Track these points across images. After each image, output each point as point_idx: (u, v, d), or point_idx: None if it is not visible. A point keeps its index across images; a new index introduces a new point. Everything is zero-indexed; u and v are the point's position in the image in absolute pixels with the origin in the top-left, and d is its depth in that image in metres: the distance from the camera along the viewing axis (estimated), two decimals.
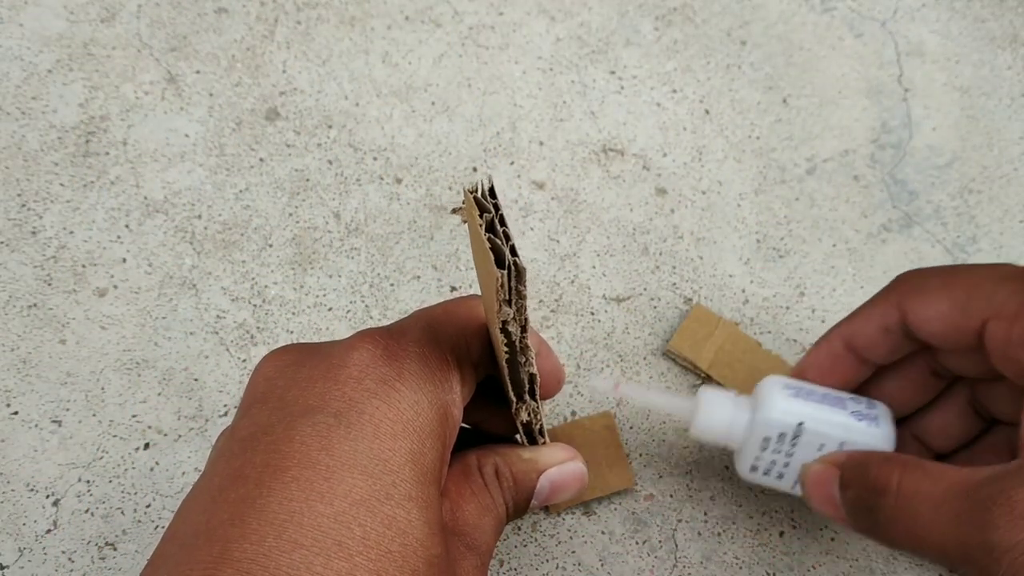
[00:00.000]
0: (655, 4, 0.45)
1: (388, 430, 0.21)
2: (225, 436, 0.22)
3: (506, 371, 0.23)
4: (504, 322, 0.21)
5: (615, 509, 0.33)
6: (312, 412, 0.21)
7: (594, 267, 0.38)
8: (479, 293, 0.28)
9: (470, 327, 0.25)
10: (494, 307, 0.20)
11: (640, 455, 0.34)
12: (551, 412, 0.35)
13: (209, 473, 0.21)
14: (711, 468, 0.34)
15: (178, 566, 0.19)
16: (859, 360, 0.29)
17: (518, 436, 0.29)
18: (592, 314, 0.37)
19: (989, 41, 0.45)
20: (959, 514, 0.21)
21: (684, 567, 0.32)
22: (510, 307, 0.20)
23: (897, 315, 0.27)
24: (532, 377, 0.24)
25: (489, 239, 0.19)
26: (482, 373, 0.26)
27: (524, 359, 0.23)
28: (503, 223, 0.19)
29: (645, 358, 0.36)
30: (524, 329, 0.21)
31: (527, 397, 0.25)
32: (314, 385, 0.22)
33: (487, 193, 0.20)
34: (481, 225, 0.19)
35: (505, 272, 0.19)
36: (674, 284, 0.38)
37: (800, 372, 0.31)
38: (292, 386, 0.22)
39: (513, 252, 0.19)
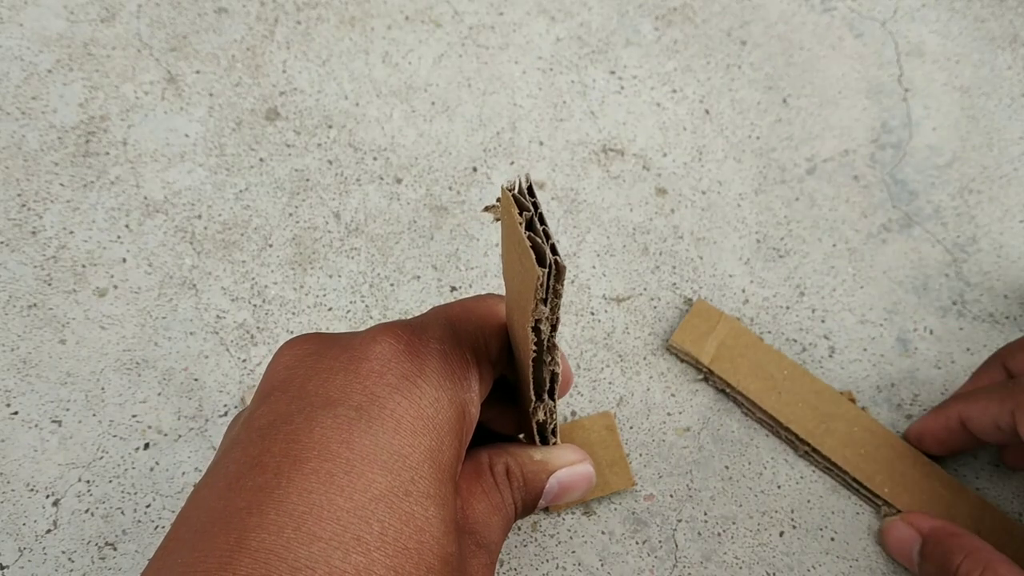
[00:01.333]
0: (655, 4, 0.45)
1: (409, 426, 0.21)
2: (241, 423, 0.22)
3: (530, 370, 0.23)
4: (537, 321, 0.20)
5: (615, 509, 0.33)
6: (333, 404, 0.21)
7: (594, 267, 0.38)
8: (483, 293, 0.28)
9: (488, 326, 0.25)
10: (528, 306, 0.20)
11: (640, 455, 0.34)
12: None
13: (224, 460, 0.21)
14: (711, 468, 0.34)
15: (193, 552, 0.19)
16: (972, 436, 0.32)
17: (523, 435, 0.29)
18: (592, 314, 0.37)
19: (989, 41, 0.45)
20: None
21: (684, 567, 0.32)
22: (546, 306, 0.20)
23: (1010, 420, 0.30)
24: (554, 376, 0.24)
25: (529, 237, 0.19)
26: (498, 372, 0.26)
27: (550, 358, 0.23)
28: (543, 221, 0.19)
29: (645, 358, 0.36)
30: (554, 328, 0.21)
31: (546, 397, 0.25)
32: (335, 377, 0.22)
33: (525, 191, 0.19)
34: (521, 223, 0.19)
35: (546, 271, 0.19)
36: (674, 284, 0.38)
37: (917, 439, 0.34)
38: (312, 376, 0.22)
39: (554, 251, 0.19)
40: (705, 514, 0.33)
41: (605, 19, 0.45)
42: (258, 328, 0.36)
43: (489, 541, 0.24)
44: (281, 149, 0.40)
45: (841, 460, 0.33)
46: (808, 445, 0.34)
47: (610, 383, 0.36)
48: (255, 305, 0.37)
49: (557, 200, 0.40)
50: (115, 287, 0.37)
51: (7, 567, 0.31)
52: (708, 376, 0.36)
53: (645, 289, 0.38)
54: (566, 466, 0.27)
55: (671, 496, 0.34)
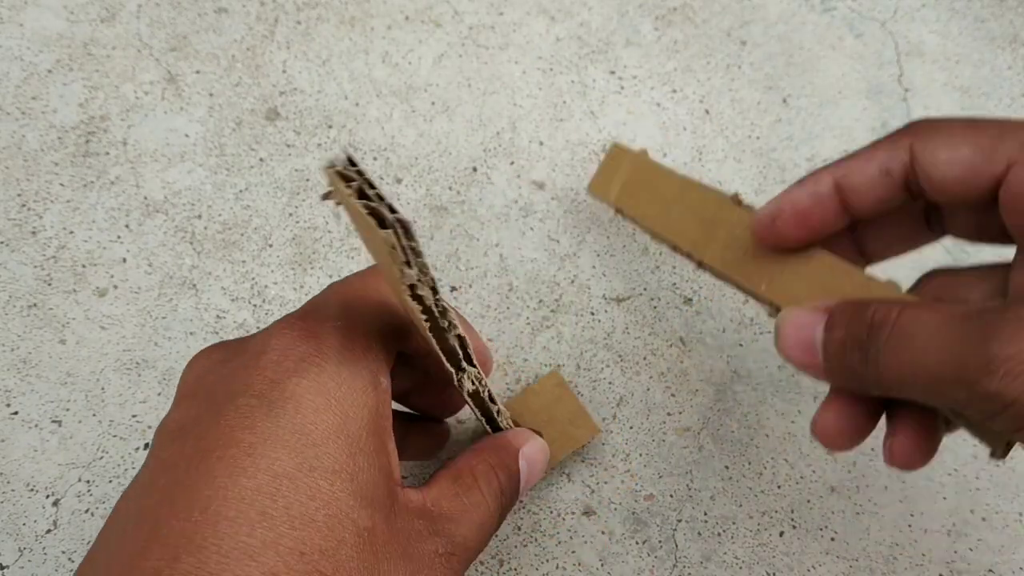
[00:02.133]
0: (655, 4, 0.46)
1: (310, 404, 0.22)
2: (156, 432, 0.23)
3: (434, 341, 0.22)
4: (411, 287, 0.20)
5: (615, 509, 0.33)
6: (236, 396, 0.22)
7: (594, 267, 0.38)
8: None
9: (385, 299, 0.25)
10: (396, 275, 0.20)
11: (640, 455, 0.34)
12: (506, 389, 0.35)
13: (141, 469, 0.22)
14: (711, 468, 0.34)
15: (108, 551, 0.20)
16: (842, 206, 0.26)
17: (471, 409, 0.29)
18: (592, 314, 0.37)
19: (989, 41, 0.45)
20: (959, 335, 0.21)
21: (684, 567, 0.32)
22: (411, 268, 0.20)
23: (905, 157, 0.24)
24: (462, 340, 0.23)
25: (364, 204, 0.19)
26: (404, 344, 0.26)
27: (447, 323, 0.22)
28: (372, 186, 0.19)
29: (645, 358, 0.36)
30: (435, 291, 0.21)
31: (465, 364, 0.24)
32: (238, 375, 0.22)
33: (346, 162, 0.19)
34: (351, 195, 0.19)
35: (392, 232, 0.18)
36: (674, 284, 0.38)
37: (774, 213, 0.27)
38: (220, 381, 0.23)
39: (392, 210, 0.19)
40: (705, 514, 0.33)
41: (605, 19, 0.45)
42: (258, 328, 0.36)
43: (453, 533, 0.24)
44: (281, 149, 0.41)
45: (720, 264, 0.30)
46: (695, 258, 0.31)
47: (610, 383, 0.36)
48: (255, 305, 0.37)
49: (557, 200, 0.40)
50: (115, 287, 0.37)
51: (7, 567, 0.31)
52: (619, 212, 0.35)
53: (645, 289, 0.38)
54: (526, 443, 0.28)
55: (671, 496, 0.34)
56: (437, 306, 0.21)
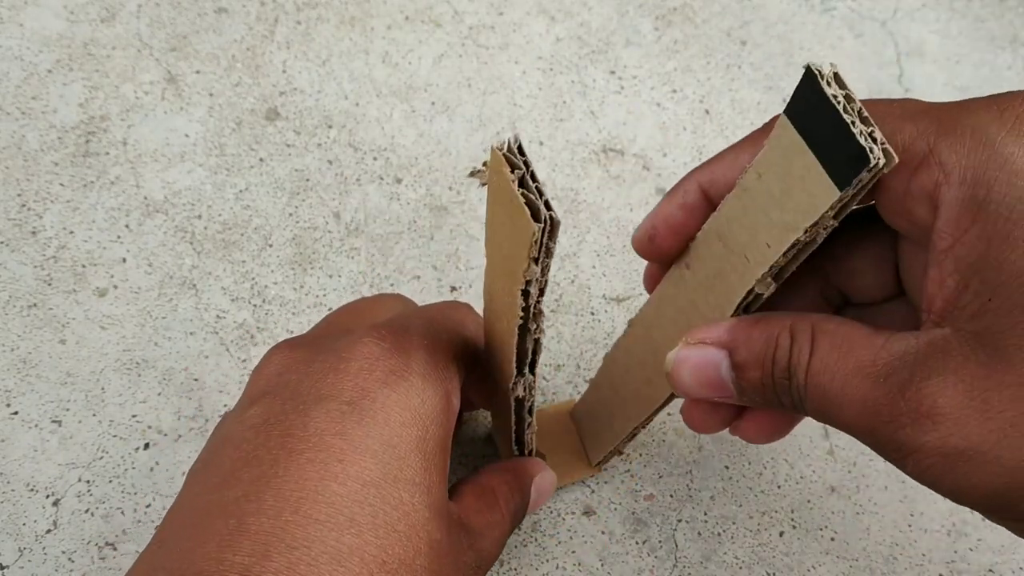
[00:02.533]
0: (655, 4, 0.46)
1: (397, 418, 0.22)
2: (231, 423, 0.23)
3: (514, 338, 0.23)
4: (528, 282, 0.20)
5: (615, 509, 0.33)
6: (325, 400, 0.22)
7: (594, 267, 0.38)
8: (481, 291, 0.28)
9: (461, 328, 0.27)
10: (519, 267, 0.20)
11: (640, 455, 0.34)
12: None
13: (216, 458, 0.22)
14: (711, 468, 0.34)
15: (190, 540, 0.20)
16: (713, 209, 0.24)
17: (495, 417, 0.30)
18: (592, 314, 0.37)
19: (989, 41, 0.45)
20: (867, 402, 0.19)
21: (684, 567, 0.32)
22: (537, 265, 0.20)
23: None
24: (536, 346, 0.24)
25: (523, 194, 0.19)
26: (472, 369, 0.27)
27: (535, 326, 0.23)
28: (535, 179, 0.19)
29: None
30: (542, 292, 0.21)
31: (527, 371, 0.25)
32: (326, 377, 0.23)
33: (516, 149, 0.19)
34: (513, 181, 0.19)
35: (541, 226, 0.19)
36: None
37: (651, 232, 0.25)
38: (304, 379, 0.23)
39: (548, 206, 0.19)
40: (705, 514, 0.33)
41: (605, 19, 0.45)
42: (258, 328, 0.36)
43: (482, 548, 0.25)
44: (281, 149, 0.41)
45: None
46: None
47: None
48: (255, 305, 0.37)
49: (557, 200, 0.40)
50: (115, 287, 0.37)
51: (7, 567, 0.31)
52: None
53: (645, 289, 0.38)
54: (538, 473, 0.29)
55: (671, 496, 0.34)
56: (535, 307, 0.22)
